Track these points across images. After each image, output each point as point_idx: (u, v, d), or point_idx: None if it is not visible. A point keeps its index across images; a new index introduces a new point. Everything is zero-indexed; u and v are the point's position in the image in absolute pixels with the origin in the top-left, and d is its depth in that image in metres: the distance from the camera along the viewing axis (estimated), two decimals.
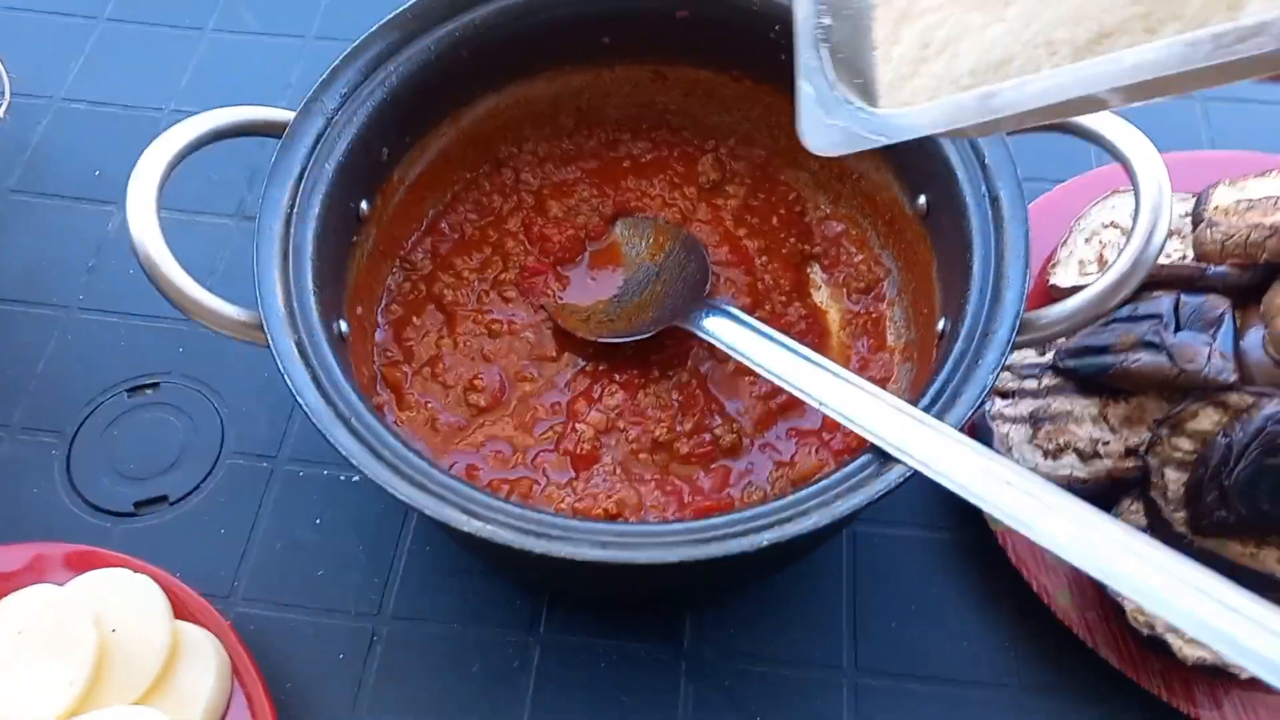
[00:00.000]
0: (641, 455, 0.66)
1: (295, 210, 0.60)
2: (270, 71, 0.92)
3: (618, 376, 0.69)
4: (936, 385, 0.54)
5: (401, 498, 0.50)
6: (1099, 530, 0.46)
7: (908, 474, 0.50)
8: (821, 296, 0.74)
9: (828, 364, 0.57)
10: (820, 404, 0.56)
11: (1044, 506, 0.47)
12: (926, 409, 0.53)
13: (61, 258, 0.82)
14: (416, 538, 0.69)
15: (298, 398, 0.53)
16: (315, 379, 0.54)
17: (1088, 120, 0.59)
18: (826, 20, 0.44)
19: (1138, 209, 0.57)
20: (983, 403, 0.62)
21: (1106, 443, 0.67)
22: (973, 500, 0.49)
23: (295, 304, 0.57)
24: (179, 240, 0.80)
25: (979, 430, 0.69)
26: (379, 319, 0.71)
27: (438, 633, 0.66)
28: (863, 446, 0.53)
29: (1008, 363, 0.69)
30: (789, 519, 0.50)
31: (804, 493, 0.51)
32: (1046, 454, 0.67)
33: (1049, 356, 0.71)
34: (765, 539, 0.49)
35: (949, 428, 0.51)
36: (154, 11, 0.96)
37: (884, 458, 0.52)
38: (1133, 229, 0.56)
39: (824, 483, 0.52)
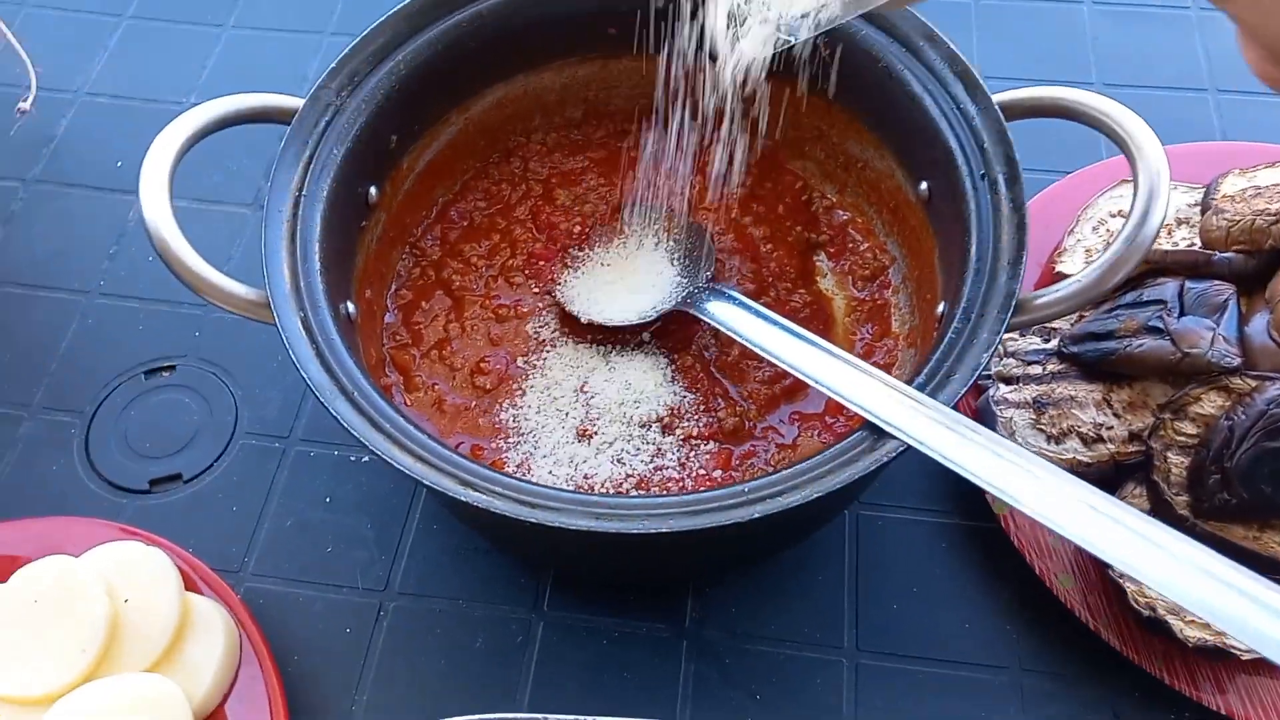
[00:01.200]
0: (646, 436, 0.66)
1: (304, 193, 0.62)
2: (288, 66, 0.94)
3: (623, 359, 0.69)
4: (931, 364, 0.55)
5: (400, 468, 0.51)
6: (1088, 501, 0.46)
7: (901, 448, 0.51)
8: (827, 284, 0.75)
9: (825, 344, 0.58)
10: (816, 381, 0.56)
11: (1034, 479, 0.48)
12: (921, 387, 0.53)
13: (83, 244, 0.84)
14: (424, 517, 0.71)
15: (301, 371, 0.54)
16: (320, 355, 0.56)
17: (1092, 105, 0.59)
18: None
19: (1135, 191, 0.57)
20: (976, 380, 0.63)
21: (1110, 427, 0.67)
22: (963, 473, 0.49)
23: (302, 283, 0.58)
24: (196, 228, 0.82)
25: (983, 415, 0.69)
26: (388, 303, 0.72)
27: (443, 609, 0.67)
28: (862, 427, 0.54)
29: (1012, 349, 0.70)
30: (782, 492, 0.51)
31: (799, 467, 0.52)
32: (1050, 438, 0.67)
33: (1053, 343, 0.71)
34: (757, 511, 0.50)
35: (942, 405, 0.51)
36: (177, 9, 0.99)
37: (878, 434, 0.52)
38: (1130, 211, 0.57)
39: (819, 457, 0.52)
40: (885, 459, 0.50)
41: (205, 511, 0.71)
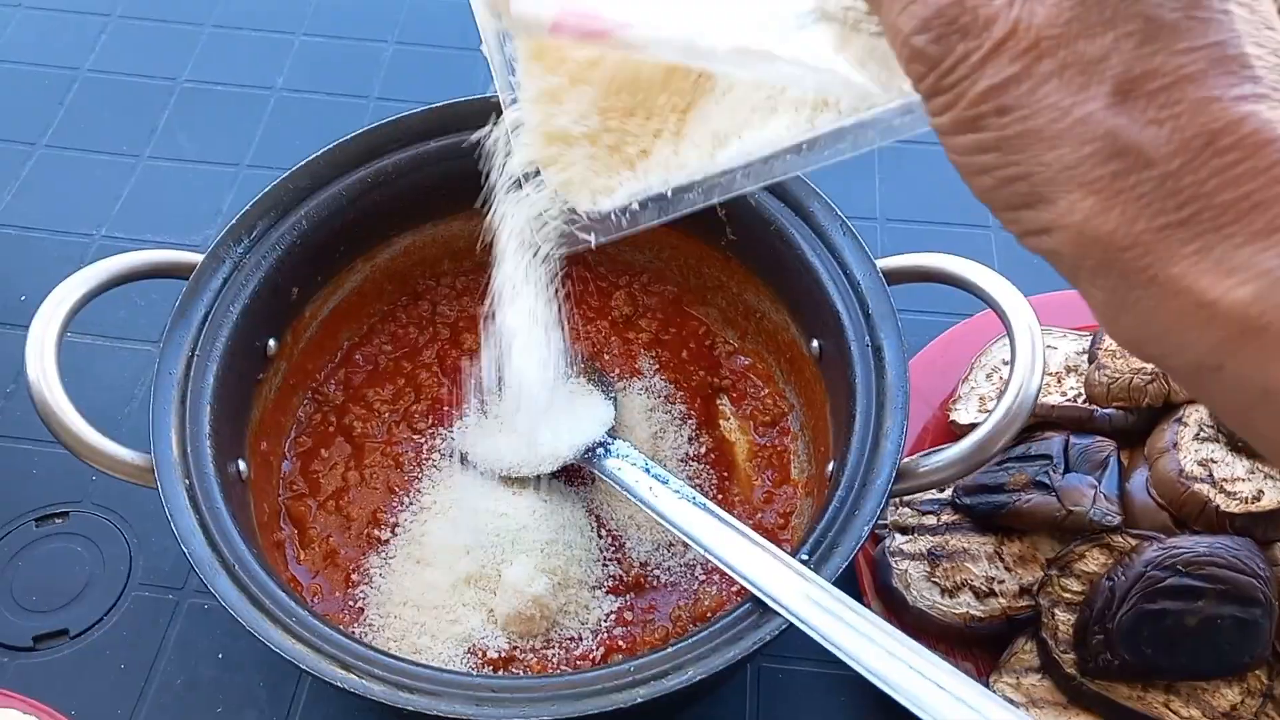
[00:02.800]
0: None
1: (197, 354, 0.62)
2: (202, 199, 0.94)
3: (522, 503, 0.69)
4: (816, 533, 0.55)
5: (276, 649, 0.50)
6: (959, 693, 0.47)
7: (784, 626, 0.51)
8: (730, 427, 0.76)
9: (718, 512, 0.59)
10: (708, 551, 0.57)
11: (908, 669, 0.48)
12: (807, 558, 0.54)
13: None
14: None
15: (183, 546, 0.54)
16: (203, 525, 0.55)
17: (966, 274, 0.62)
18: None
19: (1013, 362, 0.59)
20: (872, 532, 0.64)
21: (1002, 581, 0.68)
22: (841, 656, 0.49)
23: (190, 449, 0.58)
24: (101, 366, 0.83)
25: (879, 566, 0.70)
26: (286, 451, 0.71)
27: None
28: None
29: (908, 499, 0.71)
30: (665, 673, 0.51)
31: (683, 644, 0.52)
32: (944, 591, 0.68)
33: (948, 492, 0.72)
34: (640, 695, 0.50)
35: (824, 582, 0.52)
36: (92, 139, 0.98)
37: (763, 608, 0.53)
38: (1008, 381, 0.59)
39: (703, 634, 0.52)
40: (768, 638, 0.51)
41: (92, 670, 0.69)
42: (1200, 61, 0.30)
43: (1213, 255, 0.29)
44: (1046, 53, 0.30)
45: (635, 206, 0.45)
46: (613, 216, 0.46)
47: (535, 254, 0.52)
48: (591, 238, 0.47)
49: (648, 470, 0.64)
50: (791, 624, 0.51)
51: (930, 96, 0.33)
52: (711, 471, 0.73)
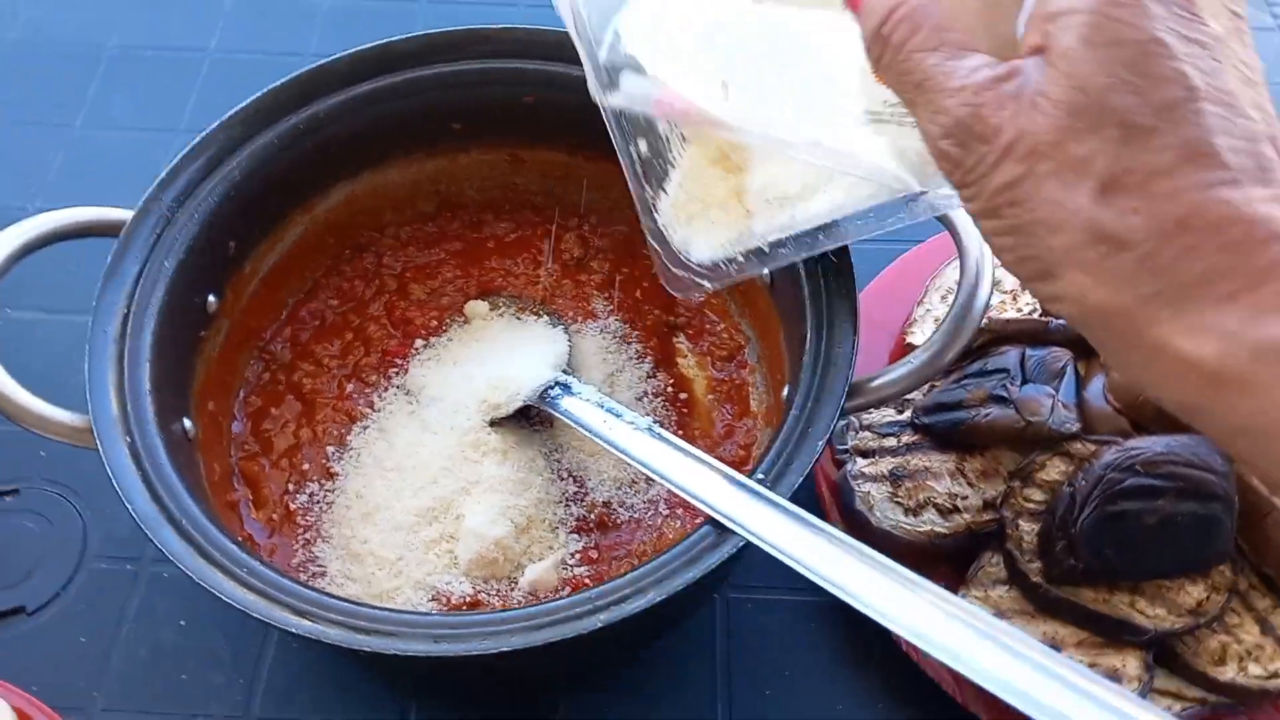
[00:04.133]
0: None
1: (133, 311, 0.60)
2: (138, 166, 0.89)
3: (482, 454, 0.68)
4: (772, 453, 0.55)
5: (227, 599, 0.49)
6: (916, 593, 0.47)
7: (741, 544, 0.51)
8: (688, 365, 0.75)
9: (671, 439, 0.58)
10: (662, 477, 0.56)
11: (866, 572, 0.48)
12: (762, 478, 0.53)
13: None
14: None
15: (125, 501, 0.53)
16: (146, 480, 0.54)
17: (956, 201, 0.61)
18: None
19: (961, 271, 0.59)
20: (834, 456, 0.63)
21: (965, 497, 0.68)
22: (800, 569, 0.49)
23: (130, 406, 0.57)
24: (40, 340, 0.81)
25: (842, 490, 0.69)
26: (236, 411, 0.70)
27: None
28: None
29: (867, 422, 0.71)
30: (625, 598, 0.50)
31: (640, 570, 0.51)
32: (907, 511, 0.68)
33: (907, 414, 0.72)
34: (600, 620, 0.49)
35: (779, 498, 0.51)
36: (22, 109, 0.96)
37: (720, 529, 0.52)
38: (957, 292, 0.58)
39: (662, 558, 0.52)
40: (723, 558, 0.50)
41: (51, 645, 0.68)
42: (1170, 157, 0.34)
43: (1185, 319, 0.34)
44: (1044, 155, 0.36)
45: (740, 259, 0.53)
46: (721, 265, 0.54)
47: None
48: (708, 285, 0.55)
49: (601, 406, 0.63)
50: (749, 541, 0.51)
51: (959, 188, 0.39)
52: (670, 408, 0.72)
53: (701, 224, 0.53)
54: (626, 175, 0.53)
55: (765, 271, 0.61)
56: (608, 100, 0.50)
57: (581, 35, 0.50)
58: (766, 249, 0.53)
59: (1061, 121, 0.35)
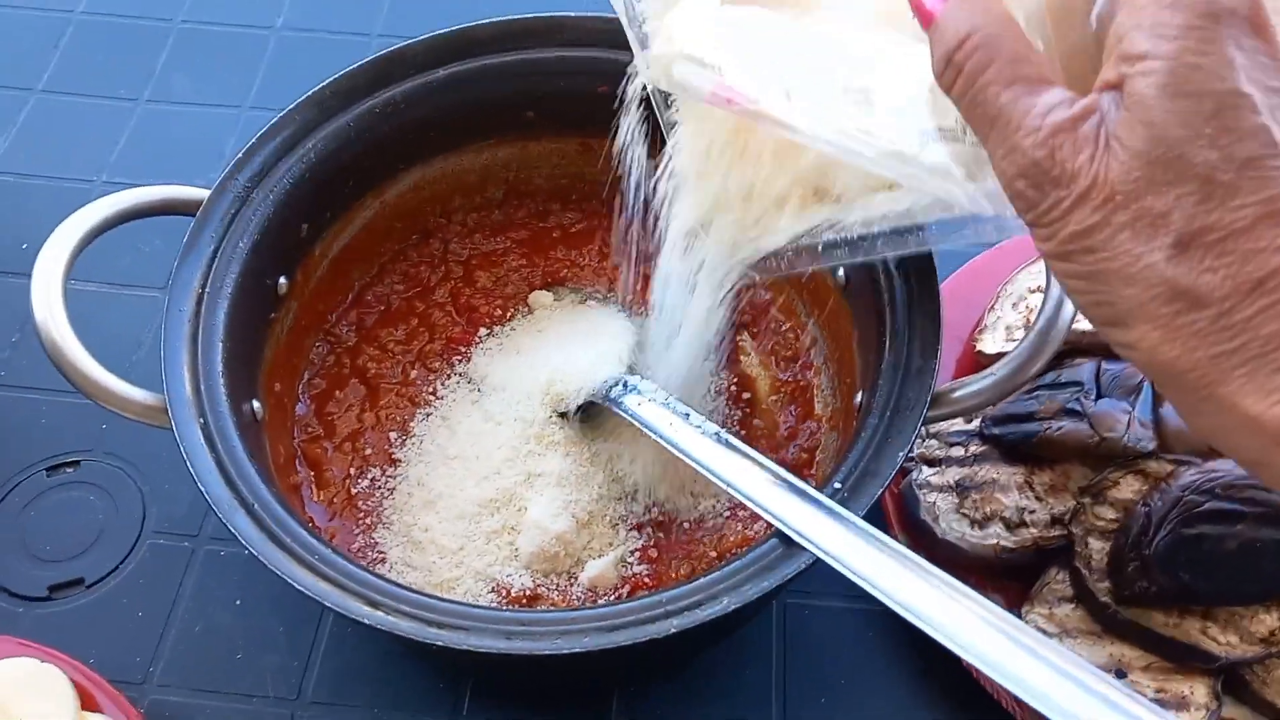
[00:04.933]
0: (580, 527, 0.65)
1: (207, 290, 0.60)
2: (204, 142, 0.92)
3: (545, 446, 0.68)
4: (849, 463, 0.54)
5: (300, 587, 0.49)
6: (987, 620, 0.45)
7: (812, 559, 0.50)
8: (751, 364, 0.74)
9: (742, 448, 0.57)
10: (732, 487, 0.55)
11: (940, 601, 0.47)
12: (837, 492, 0.53)
13: None
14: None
15: (200, 484, 0.52)
16: (220, 464, 0.54)
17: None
18: None
19: (1048, 284, 0.57)
20: (888, 488, 0.62)
21: (1033, 511, 0.67)
22: (874, 592, 0.48)
23: (203, 386, 0.57)
24: (107, 314, 0.82)
25: (907, 499, 0.68)
26: (300, 394, 0.70)
27: (359, 718, 0.64)
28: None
29: (934, 430, 0.70)
30: (699, 604, 0.50)
31: (713, 576, 0.51)
32: (974, 523, 0.67)
33: (976, 423, 0.71)
34: (674, 625, 0.49)
35: (852, 515, 0.50)
36: (88, 84, 0.96)
37: (788, 543, 0.51)
38: (1043, 304, 0.57)
39: (734, 565, 0.51)
40: (798, 570, 0.49)
41: (109, 619, 0.68)
42: (1250, 216, 0.34)
43: (1257, 379, 0.34)
44: (1120, 205, 0.35)
45: (791, 254, 0.53)
46: (771, 260, 0.54)
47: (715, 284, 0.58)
48: (757, 276, 0.55)
49: (667, 406, 0.62)
50: (819, 559, 0.50)
51: (1032, 227, 0.38)
52: (733, 407, 0.72)
53: (746, 218, 0.54)
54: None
55: (810, 271, 0.59)
56: (655, 82, 0.50)
57: (631, 21, 0.51)
58: (820, 248, 0.52)
59: (1139, 172, 0.35)
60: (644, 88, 0.54)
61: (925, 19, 0.40)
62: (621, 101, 0.56)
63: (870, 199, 0.49)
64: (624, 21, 0.52)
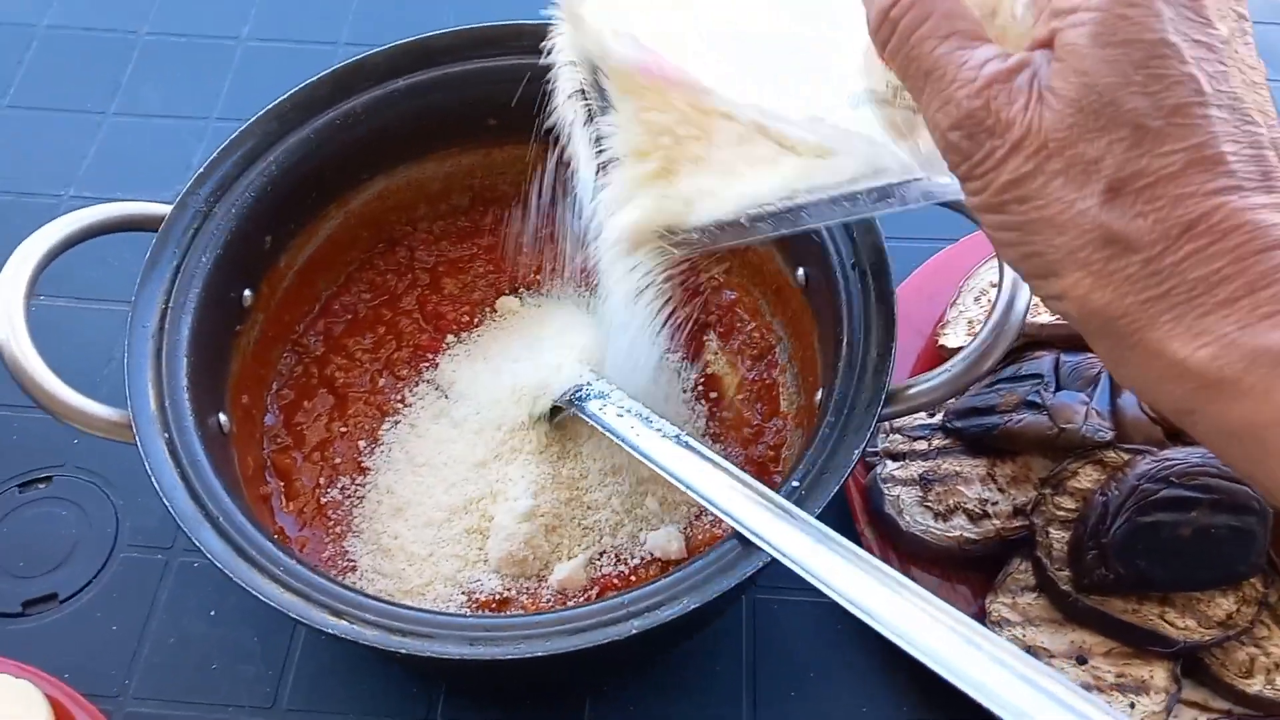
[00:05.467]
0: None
1: (171, 305, 0.60)
2: (172, 154, 0.92)
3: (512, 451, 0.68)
4: (805, 461, 0.55)
5: (265, 600, 0.50)
6: (942, 621, 0.46)
7: (768, 559, 0.51)
8: (718, 363, 0.75)
9: (700, 448, 0.57)
10: (689, 488, 0.55)
11: (891, 599, 0.47)
12: (794, 491, 0.53)
13: None
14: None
15: (165, 500, 0.53)
16: (185, 479, 0.54)
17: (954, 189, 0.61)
18: None
19: (1000, 279, 0.58)
20: (862, 459, 0.63)
21: (995, 503, 0.68)
22: (825, 590, 0.49)
23: (168, 402, 0.57)
24: (76, 328, 0.82)
25: (871, 493, 0.69)
26: (269, 404, 0.70)
27: None
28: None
29: (898, 425, 0.71)
30: (660, 604, 0.50)
31: (674, 577, 0.52)
32: (937, 515, 0.68)
33: (938, 417, 0.72)
34: (635, 626, 0.49)
35: (806, 516, 0.51)
36: (55, 97, 0.96)
37: (745, 543, 0.52)
38: (995, 300, 0.58)
39: (693, 566, 0.52)
40: (755, 569, 0.50)
41: (83, 633, 0.69)
42: (1179, 162, 0.35)
43: (1184, 323, 0.35)
44: (1054, 153, 0.36)
45: (714, 229, 0.53)
46: (694, 234, 0.54)
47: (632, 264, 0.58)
48: (677, 252, 0.55)
49: (630, 411, 0.63)
50: (775, 559, 0.51)
51: (964, 181, 0.39)
52: (701, 405, 0.72)
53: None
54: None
55: (730, 246, 0.61)
56: (585, 52, 0.51)
57: None
58: (745, 222, 0.52)
59: (1071, 119, 0.35)
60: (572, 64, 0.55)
61: None
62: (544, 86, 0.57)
63: (810, 166, 0.49)
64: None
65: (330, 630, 0.49)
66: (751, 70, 0.48)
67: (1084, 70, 0.35)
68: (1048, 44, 0.37)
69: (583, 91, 0.56)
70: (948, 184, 0.43)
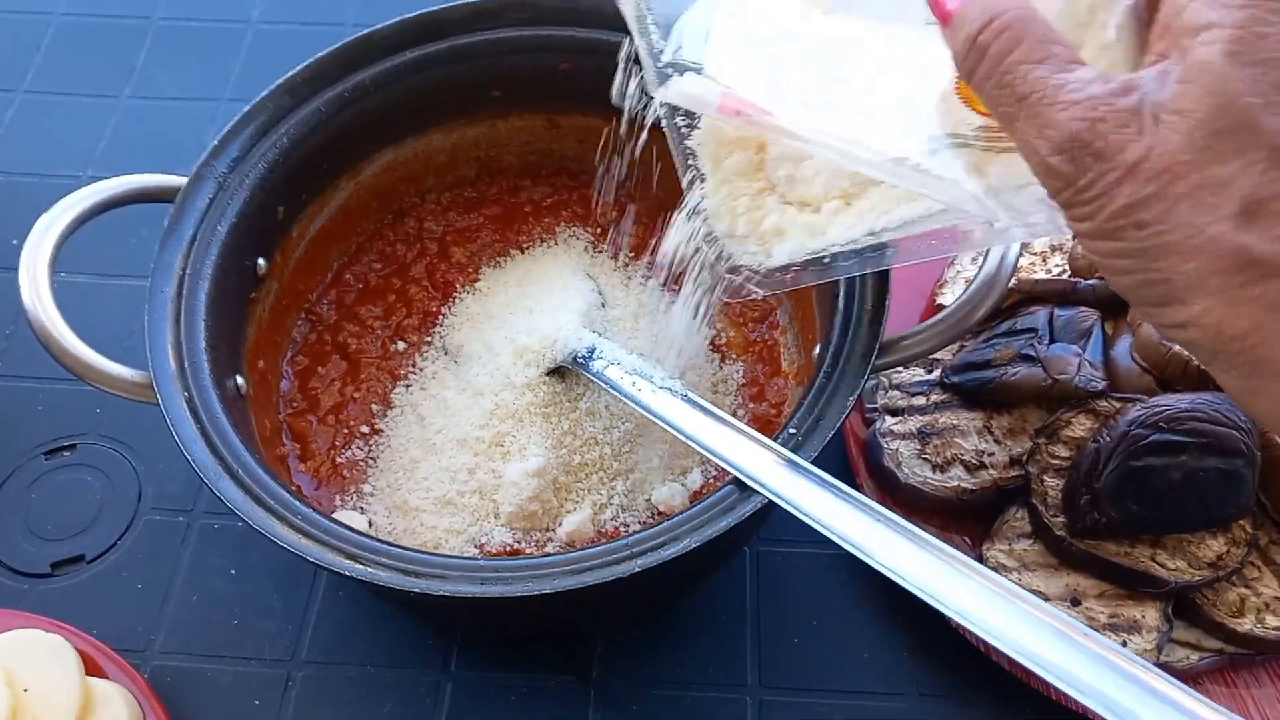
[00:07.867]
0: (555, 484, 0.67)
1: (188, 272, 0.62)
2: (185, 135, 0.94)
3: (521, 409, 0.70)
4: (802, 410, 0.57)
5: (282, 543, 0.52)
6: (934, 555, 0.48)
7: (763, 502, 0.53)
8: (722, 325, 0.77)
9: (699, 401, 0.59)
10: (691, 439, 0.57)
11: (885, 534, 0.50)
12: (790, 438, 0.55)
13: None
14: (329, 584, 0.71)
15: (185, 452, 0.55)
16: (204, 433, 0.56)
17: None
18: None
19: None
20: (863, 415, 0.64)
21: (991, 454, 0.69)
22: (818, 529, 0.51)
23: (187, 363, 0.59)
24: (94, 304, 0.84)
25: (870, 447, 0.71)
26: (284, 369, 0.73)
27: (352, 676, 0.68)
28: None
29: (896, 381, 0.73)
30: (662, 544, 0.52)
31: (675, 520, 0.53)
32: (935, 467, 0.69)
33: (936, 373, 0.73)
34: (638, 565, 0.51)
35: (801, 460, 0.53)
36: (71, 82, 0.99)
37: (743, 488, 0.54)
38: (985, 253, 0.59)
39: (693, 509, 0.54)
40: (752, 510, 0.52)
41: (110, 592, 0.71)
42: None
43: None
44: (1180, 176, 0.34)
45: (797, 267, 0.52)
46: (777, 274, 0.53)
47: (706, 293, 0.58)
48: (760, 291, 0.54)
49: (632, 369, 0.65)
50: (770, 500, 0.52)
51: (1068, 207, 0.37)
52: (704, 367, 0.74)
53: (745, 230, 0.54)
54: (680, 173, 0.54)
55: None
56: (663, 96, 0.50)
57: (643, 33, 0.50)
58: (828, 259, 0.51)
59: (1203, 142, 0.34)
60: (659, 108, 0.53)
61: (944, 18, 0.40)
62: (635, 125, 0.57)
63: (893, 209, 0.49)
64: (634, 30, 0.51)
65: (346, 572, 0.51)
66: (832, 112, 0.47)
67: (1218, 90, 0.33)
68: (1165, 60, 0.35)
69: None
70: (1034, 227, 0.43)
